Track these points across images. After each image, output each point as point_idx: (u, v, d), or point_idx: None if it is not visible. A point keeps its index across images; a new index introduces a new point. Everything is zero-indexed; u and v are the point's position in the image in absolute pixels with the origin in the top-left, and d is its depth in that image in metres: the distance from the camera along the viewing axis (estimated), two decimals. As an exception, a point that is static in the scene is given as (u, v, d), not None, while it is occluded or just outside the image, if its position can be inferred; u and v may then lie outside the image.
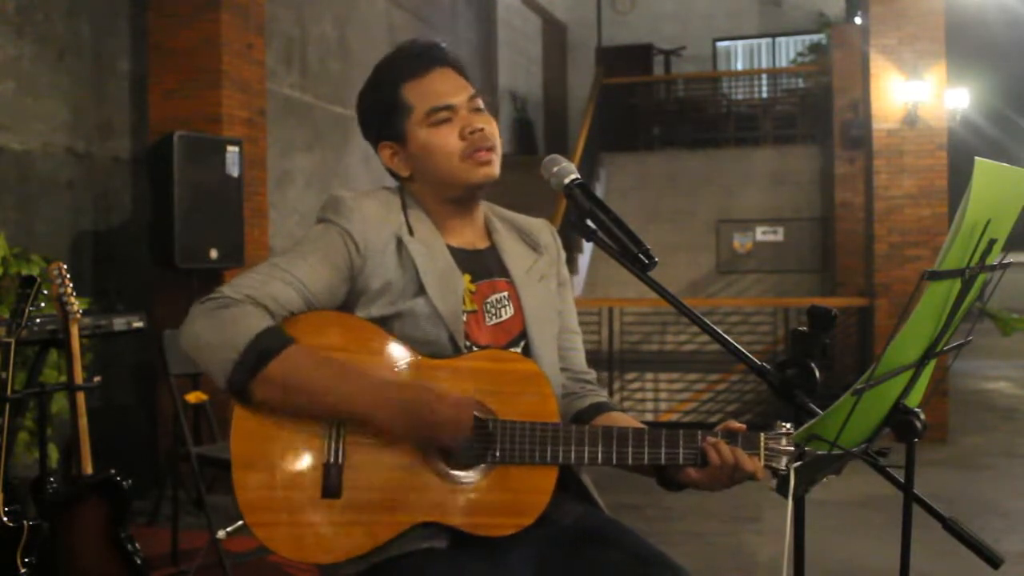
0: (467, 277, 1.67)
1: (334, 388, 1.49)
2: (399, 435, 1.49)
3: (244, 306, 1.51)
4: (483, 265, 1.71)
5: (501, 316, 1.69)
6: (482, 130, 1.65)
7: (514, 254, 1.75)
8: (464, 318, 1.63)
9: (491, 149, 1.66)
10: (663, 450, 1.54)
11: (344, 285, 1.61)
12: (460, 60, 1.73)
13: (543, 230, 1.82)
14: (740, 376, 8.80)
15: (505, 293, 1.71)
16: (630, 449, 1.54)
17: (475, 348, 1.63)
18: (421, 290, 1.60)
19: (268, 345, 1.48)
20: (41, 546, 2.84)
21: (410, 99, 1.66)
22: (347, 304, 1.62)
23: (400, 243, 1.62)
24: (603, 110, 11.15)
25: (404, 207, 1.68)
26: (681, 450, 1.54)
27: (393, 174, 1.74)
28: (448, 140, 1.64)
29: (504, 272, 1.72)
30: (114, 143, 5.03)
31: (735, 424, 1.55)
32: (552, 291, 1.78)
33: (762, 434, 1.52)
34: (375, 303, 1.60)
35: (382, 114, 1.69)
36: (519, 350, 1.69)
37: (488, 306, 1.69)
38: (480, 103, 1.69)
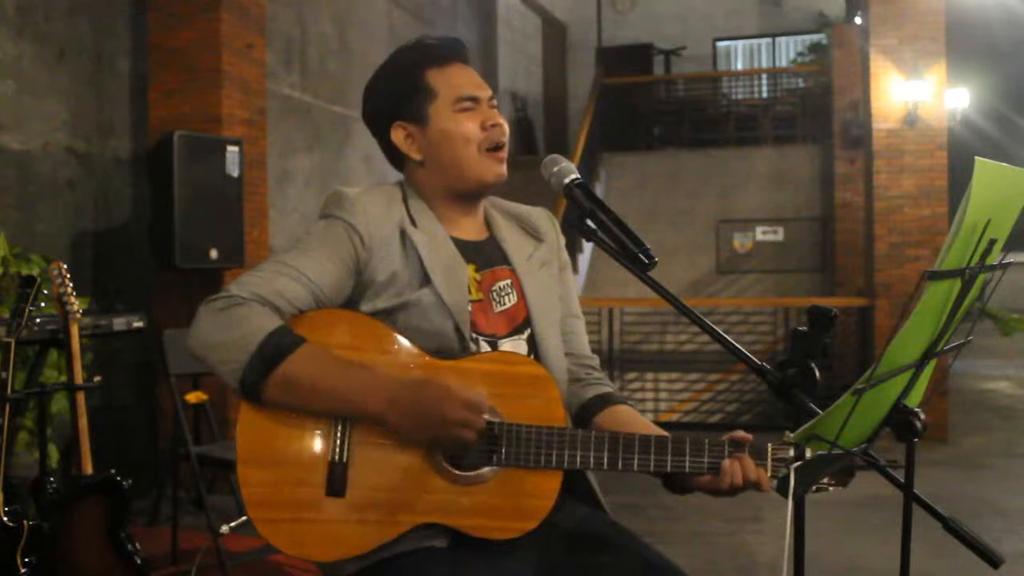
0: (471, 267, 1.68)
1: (346, 387, 1.49)
2: (409, 433, 1.49)
3: (252, 305, 1.51)
4: (485, 254, 1.72)
5: (505, 304, 1.71)
6: (501, 125, 1.69)
7: (514, 242, 1.76)
8: (469, 307, 1.64)
9: (504, 147, 1.70)
10: (670, 458, 1.53)
11: (351, 279, 1.61)
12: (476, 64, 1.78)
13: (541, 217, 1.84)
14: (740, 376, 8.80)
15: (508, 281, 1.72)
16: (636, 456, 1.53)
17: (481, 338, 1.64)
18: (427, 280, 1.61)
19: (279, 345, 1.48)
20: (41, 546, 2.83)
21: (435, 84, 1.69)
22: (353, 297, 1.62)
23: (404, 235, 1.64)
24: (603, 110, 11.15)
25: (405, 200, 1.69)
26: (688, 458, 1.53)
27: (399, 159, 1.74)
28: (469, 127, 1.67)
29: (505, 260, 1.74)
30: (114, 143, 5.03)
31: (741, 434, 1.55)
32: (554, 277, 1.79)
33: (769, 444, 1.52)
34: (381, 295, 1.60)
35: (402, 94, 1.70)
36: (524, 337, 1.70)
37: (494, 294, 1.70)
38: (496, 104, 1.74)
